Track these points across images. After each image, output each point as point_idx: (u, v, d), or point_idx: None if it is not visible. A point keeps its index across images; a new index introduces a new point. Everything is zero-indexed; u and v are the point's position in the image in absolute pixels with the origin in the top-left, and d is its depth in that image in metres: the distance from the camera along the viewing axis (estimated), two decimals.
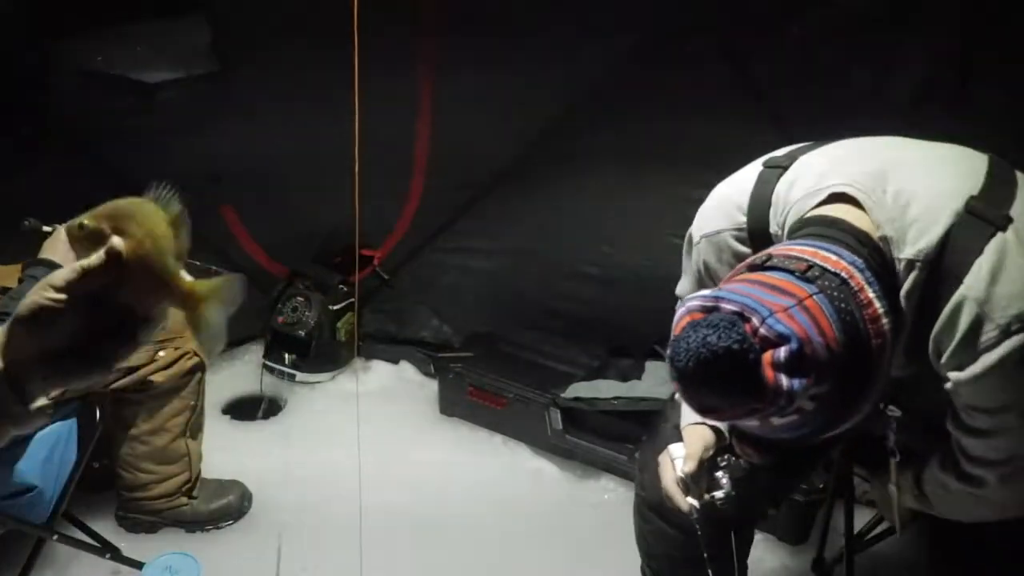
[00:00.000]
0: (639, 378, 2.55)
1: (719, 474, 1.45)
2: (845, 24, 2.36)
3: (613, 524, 2.29)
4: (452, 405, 2.83)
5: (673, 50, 2.60)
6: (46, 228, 1.91)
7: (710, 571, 1.45)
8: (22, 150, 2.48)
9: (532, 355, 2.88)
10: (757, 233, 1.40)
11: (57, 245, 1.87)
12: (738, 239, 1.44)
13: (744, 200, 1.43)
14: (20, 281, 1.79)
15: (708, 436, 1.49)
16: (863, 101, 2.32)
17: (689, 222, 2.78)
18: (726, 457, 1.47)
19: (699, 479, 1.44)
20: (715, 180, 2.73)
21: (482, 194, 3.05)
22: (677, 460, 1.46)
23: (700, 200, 2.77)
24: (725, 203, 1.48)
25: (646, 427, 2.38)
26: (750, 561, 1.74)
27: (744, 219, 1.42)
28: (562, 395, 2.56)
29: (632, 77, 2.69)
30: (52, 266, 1.81)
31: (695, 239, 1.53)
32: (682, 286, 1.63)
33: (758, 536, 1.64)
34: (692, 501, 1.43)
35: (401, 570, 2.19)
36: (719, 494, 1.43)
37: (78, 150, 2.63)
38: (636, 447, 2.45)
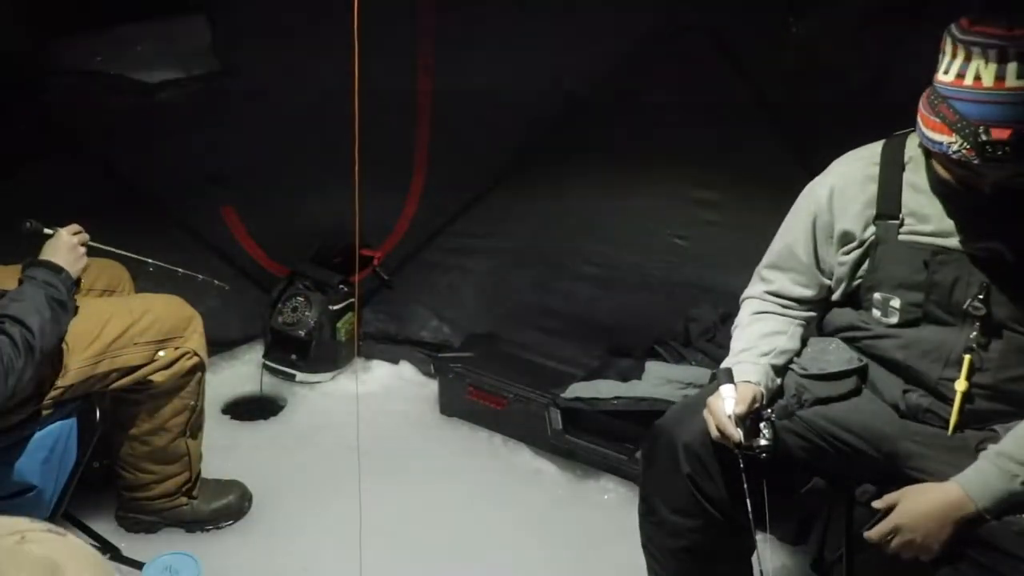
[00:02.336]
0: (639, 378, 2.55)
1: (762, 425, 1.56)
2: (845, 24, 2.36)
3: (613, 524, 2.29)
4: (452, 405, 2.83)
5: (673, 50, 2.60)
6: (47, 230, 1.92)
7: (748, 503, 1.51)
8: (22, 150, 2.48)
9: (532, 355, 2.88)
10: None
11: (58, 247, 1.87)
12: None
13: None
14: (20, 282, 1.79)
15: (757, 392, 1.59)
16: (863, 101, 2.32)
17: (689, 222, 2.80)
18: (769, 411, 1.59)
19: (744, 424, 1.53)
20: (715, 180, 2.77)
21: (482, 194, 3.05)
22: (728, 399, 1.55)
23: (700, 200, 2.82)
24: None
25: (646, 427, 2.38)
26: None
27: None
28: (562, 395, 2.56)
29: (632, 77, 2.69)
30: (53, 267, 1.82)
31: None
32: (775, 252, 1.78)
33: (758, 536, 1.64)
34: (740, 433, 1.52)
35: (401, 570, 2.19)
36: (763, 442, 1.54)
37: (78, 150, 2.63)
38: (636, 447, 2.45)
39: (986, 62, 1.36)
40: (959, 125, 1.39)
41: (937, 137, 1.44)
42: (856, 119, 2.05)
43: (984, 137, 1.36)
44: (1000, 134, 1.35)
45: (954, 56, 1.41)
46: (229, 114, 2.77)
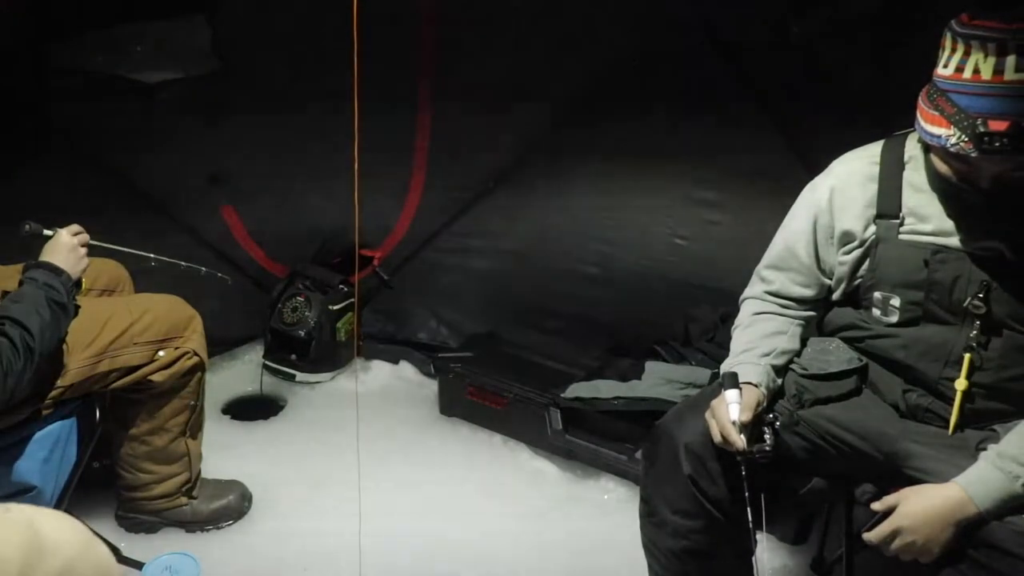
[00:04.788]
0: (639, 378, 2.55)
1: (764, 430, 1.56)
2: (845, 24, 2.36)
3: (613, 524, 2.29)
4: (452, 405, 2.83)
5: (673, 49, 2.60)
6: (47, 231, 1.92)
7: (748, 509, 1.51)
8: (22, 150, 2.48)
9: (532, 355, 2.88)
10: None
11: (58, 248, 1.87)
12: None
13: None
14: (20, 284, 1.79)
15: (760, 396, 1.59)
16: (863, 101, 2.32)
17: (689, 222, 2.81)
18: (772, 416, 1.59)
19: (747, 430, 1.53)
20: (715, 180, 2.77)
21: (482, 194, 3.05)
22: (732, 405, 1.54)
23: (701, 200, 2.82)
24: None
25: (646, 427, 2.38)
26: None
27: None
28: (562, 395, 2.56)
29: (632, 77, 2.69)
30: (53, 269, 1.82)
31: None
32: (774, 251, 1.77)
33: (758, 536, 1.64)
34: (744, 440, 1.51)
35: (401, 570, 2.19)
36: (765, 448, 1.53)
37: (78, 150, 2.63)
38: (636, 447, 2.45)
39: (985, 56, 1.36)
40: (957, 118, 1.39)
41: (935, 130, 1.44)
42: (856, 119, 2.05)
43: (982, 129, 1.36)
44: (998, 126, 1.35)
45: (953, 50, 1.42)
46: (229, 114, 2.77)
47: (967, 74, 1.39)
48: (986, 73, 1.37)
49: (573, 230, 2.98)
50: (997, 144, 1.35)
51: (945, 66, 1.43)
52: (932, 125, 1.45)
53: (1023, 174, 1.41)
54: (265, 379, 3.01)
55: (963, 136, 1.39)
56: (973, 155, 1.39)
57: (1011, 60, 1.34)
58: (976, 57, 1.37)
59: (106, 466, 2.26)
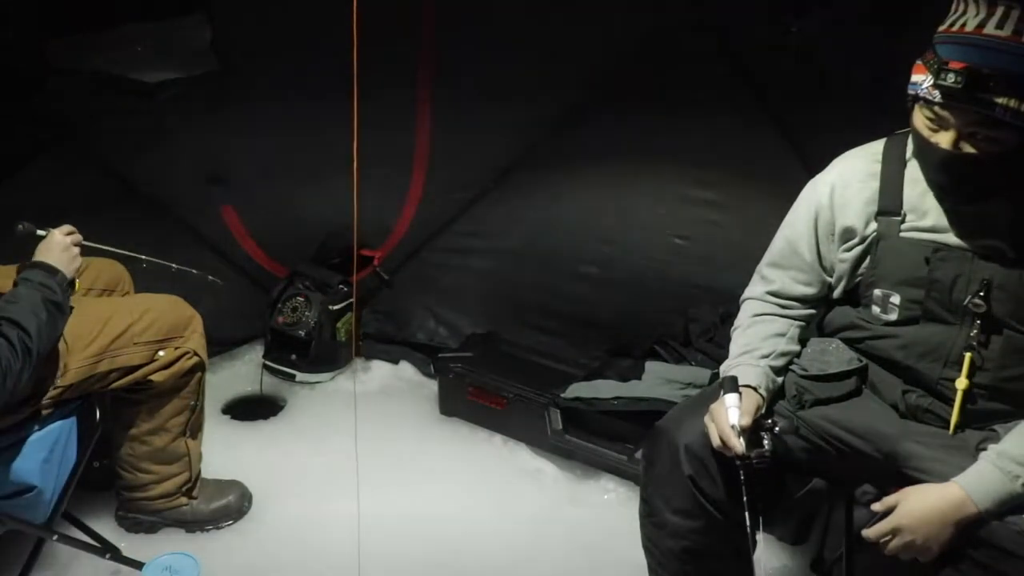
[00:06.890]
0: (639, 378, 2.55)
1: (763, 434, 1.56)
2: (845, 24, 2.36)
3: (613, 524, 2.29)
4: (452, 405, 2.83)
5: (673, 50, 2.60)
6: (40, 231, 1.92)
7: (747, 514, 1.52)
8: (22, 150, 2.48)
9: (532, 355, 2.88)
10: None
11: (51, 247, 1.87)
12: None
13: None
14: (15, 284, 1.79)
15: (759, 399, 1.60)
16: (863, 101, 2.32)
17: (689, 222, 2.81)
18: (770, 422, 1.58)
19: (746, 434, 1.53)
20: (715, 180, 2.77)
21: (482, 194, 3.05)
22: (732, 409, 1.53)
23: (700, 200, 2.82)
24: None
25: (646, 427, 2.38)
26: None
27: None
28: (562, 395, 2.56)
29: (632, 77, 2.69)
30: (48, 269, 1.82)
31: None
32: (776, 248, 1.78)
33: (759, 536, 1.64)
34: (743, 444, 1.50)
35: (400, 570, 2.19)
36: (765, 452, 1.52)
37: (78, 150, 2.63)
38: (636, 447, 2.45)
39: (977, 12, 1.41)
40: (931, 62, 1.44)
41: (915, 78, 1.49)
42: (856, 118, 2.04)
43: (943, 68, 1.41)
44: (955, 65, 1.39)
45: (955, 11, 1.46)
46: (229, 114, 2.77)
47: (955, 28, 1.44)
48: (970, 26, 1.41)
49: (573, 230, 2.98)
50: (951, 80, 1.39)
51: (944, 24, 1.47)
52: (915, 75, 1.49)
53: (982, 135, 1.42)
54: (265, 379, 3.01)
55: (930, 79, 1.44)
56: (936, 101, 1.43)
57: (995, 19, 1.39)
58: (970, 13, 1.42)
59: (106, 466, 2.26)
